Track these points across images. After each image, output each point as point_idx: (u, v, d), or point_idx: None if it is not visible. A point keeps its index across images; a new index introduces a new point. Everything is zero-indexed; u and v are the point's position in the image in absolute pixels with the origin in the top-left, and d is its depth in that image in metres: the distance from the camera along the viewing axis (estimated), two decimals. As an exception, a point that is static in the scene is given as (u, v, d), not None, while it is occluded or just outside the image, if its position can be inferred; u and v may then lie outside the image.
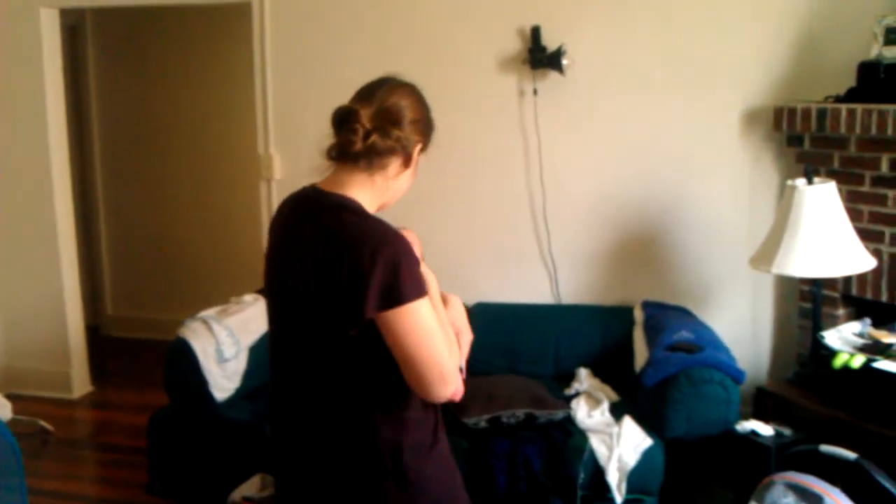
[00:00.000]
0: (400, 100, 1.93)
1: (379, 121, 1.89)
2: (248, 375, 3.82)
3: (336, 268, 1.78)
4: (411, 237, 1.98)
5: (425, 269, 1.92)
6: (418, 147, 1.96)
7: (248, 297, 4.14)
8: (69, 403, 5.11)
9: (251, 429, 3.57)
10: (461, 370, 1.92)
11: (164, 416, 3.73)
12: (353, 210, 1.87)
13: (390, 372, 1.81)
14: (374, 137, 1.87)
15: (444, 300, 2.00)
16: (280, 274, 1.95)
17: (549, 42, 4.11)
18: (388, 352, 1.80)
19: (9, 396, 4.72)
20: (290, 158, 4.63)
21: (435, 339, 1.79)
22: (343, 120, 1.89)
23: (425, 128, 1.99)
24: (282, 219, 1.98)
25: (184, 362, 3.62)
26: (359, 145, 1.87)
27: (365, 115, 1.88)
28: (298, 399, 1.96)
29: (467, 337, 2.03)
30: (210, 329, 3.74)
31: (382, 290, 1.75)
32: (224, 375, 3.71)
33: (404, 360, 1.79)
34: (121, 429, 4.72)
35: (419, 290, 1.78)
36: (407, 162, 1.95)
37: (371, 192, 1.93)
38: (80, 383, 5.24)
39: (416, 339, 1.77)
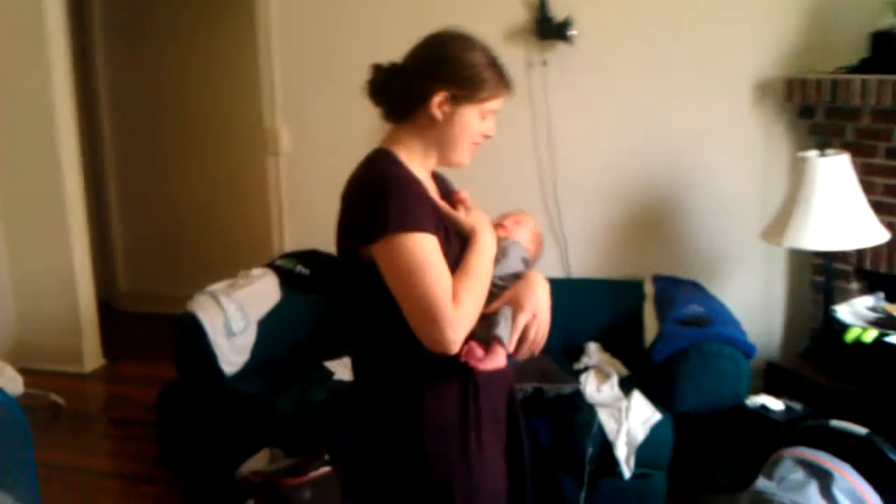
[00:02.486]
0: (420, 50, 1.93)
1: (395, 73, 1.91)
2: (257, 349, 3.81)
3: (343, 210, 1.87)
4: (526, 220, 2.08)
5: (484, 226, 1.93)
6: (439, 96, 1.86)
7: (257, 271, 4.12)
8: (81, 377, 5.13)
9: (259, 402, 3.57)
10: (500, 342, 1.84)
11: (173, 390, 3.74)
12: (373, 158, 1.91)
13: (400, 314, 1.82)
14: (390, 88, 1.91)
15: (525, 275, 1.99)
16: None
17: (557, 12, 4.06)
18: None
19: (21, 370, 4.73)
20: (299, 132, 4.60)
21: (425, 276, 1.74)
22: (369, 77, 1.95)
23: (453, 77, 1.87)
24: None
25: (192, 336, 3.62)
26: (374, 96, 1.93)
27: (381, 70, 1.92)
28: (351, 344, 2.03)
29: (527, 316, 1.89)
30: (218, 303, 3.73)
31: (365, 223, 1.77)
32: (232, 349, 3.71)
33: (396, 297, 1.78)
34: (132, 402, 4.73)
35: (406, 223, 1.75)
36: (431, 113, 1.88)
37: (406, 144, 1.93)
38: (92, 357, 5.26)
39: (400, 273, 1.76)
